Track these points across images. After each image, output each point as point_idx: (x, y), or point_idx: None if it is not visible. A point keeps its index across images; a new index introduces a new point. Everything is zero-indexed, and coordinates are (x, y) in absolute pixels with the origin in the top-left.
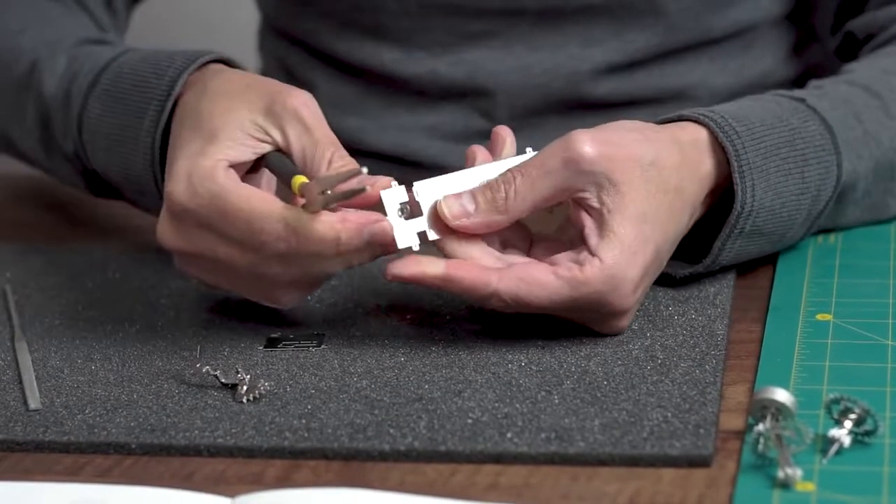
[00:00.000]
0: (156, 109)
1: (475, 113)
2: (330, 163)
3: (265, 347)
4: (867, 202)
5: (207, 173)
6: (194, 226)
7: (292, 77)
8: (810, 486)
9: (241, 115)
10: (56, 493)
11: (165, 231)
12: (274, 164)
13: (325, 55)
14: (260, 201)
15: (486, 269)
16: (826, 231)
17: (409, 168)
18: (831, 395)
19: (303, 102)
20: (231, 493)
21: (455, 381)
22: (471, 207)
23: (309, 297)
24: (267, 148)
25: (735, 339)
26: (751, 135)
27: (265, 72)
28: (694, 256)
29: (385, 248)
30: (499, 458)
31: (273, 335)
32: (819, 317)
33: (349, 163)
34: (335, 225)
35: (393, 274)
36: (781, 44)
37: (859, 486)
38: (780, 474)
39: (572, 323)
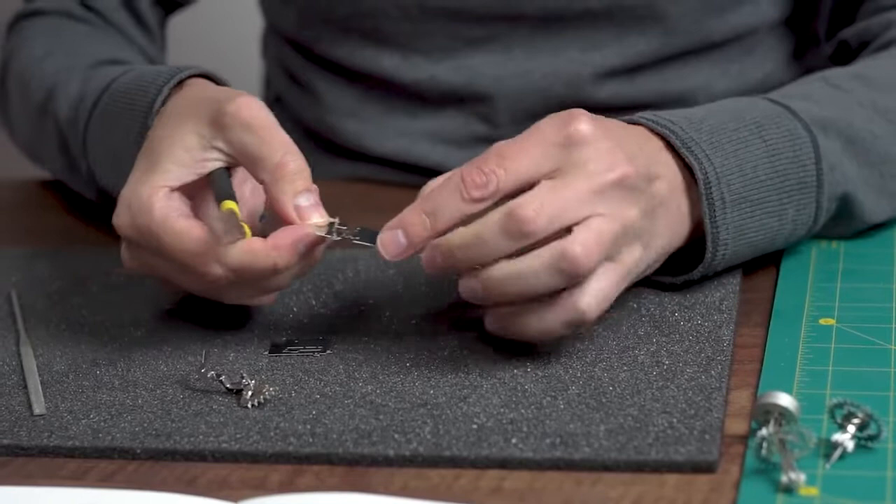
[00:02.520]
0: (139, 129)
1: (476, 118)
2: (281, 166)
3: (270, 353)
4: (873, 187)
5: (144, 205)
6: (145, 252)
7: (294, 82)
8: (814, 491)
9: (186, 131)
10: (60, 497)
11: (123, 253)
12: (215, 182)
13: (326, 60)
14: (190, 240)
15: None
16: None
17: (411, 173)
18: (835, 400)
19: (244, 104)
20: (235, 498)
21: (460, 387)
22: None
23: (313, 302)
24: (213, 164)
25: (738, 343)
26: (688, 120)
27: (269, 77)
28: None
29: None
30: (504, 464)
31: (277, 341)
32: (822, 321)
33: (298, 168)
34: (269, 253)
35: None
36: (782, 48)
37: (863, 491)
38: (784, 479)
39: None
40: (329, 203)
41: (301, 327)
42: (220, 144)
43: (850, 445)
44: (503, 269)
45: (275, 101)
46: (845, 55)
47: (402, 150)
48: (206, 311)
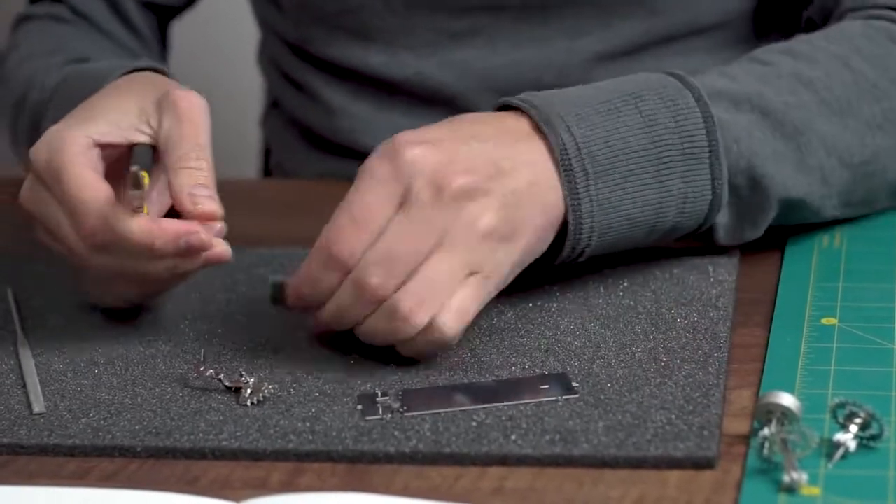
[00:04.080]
0: None
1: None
2: (181, 158)
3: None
4: (788, 161)
5: (64, 143)
6: (44, 190)
7: (289, 83)
8: (816, 491)
9: (129, 101)
10: (62, 497)
11: (25, 189)
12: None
13: (319, 60)
14: (88, 188)
15: None
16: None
17: None
18: (836, 400)
19: (184, 97)
20: (236, 498)
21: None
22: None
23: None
24: (140, 137)
25: (740, 343)
26: (558, 96)
27: (266, 83)
28: None
29: (208, 258)
30: (503, 461)
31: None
32: (824, 321)
33: (200, 166)
34: (152, 230)
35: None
36: (773, 35)
37: (864, 491)
38: (786, 478)
39: (575, 326)
40: (326, 201)
41: (296, 325)
42: (154, 123)
43: (852, 445)
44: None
45: (272, 107)
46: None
47: None
48: (204, 309)
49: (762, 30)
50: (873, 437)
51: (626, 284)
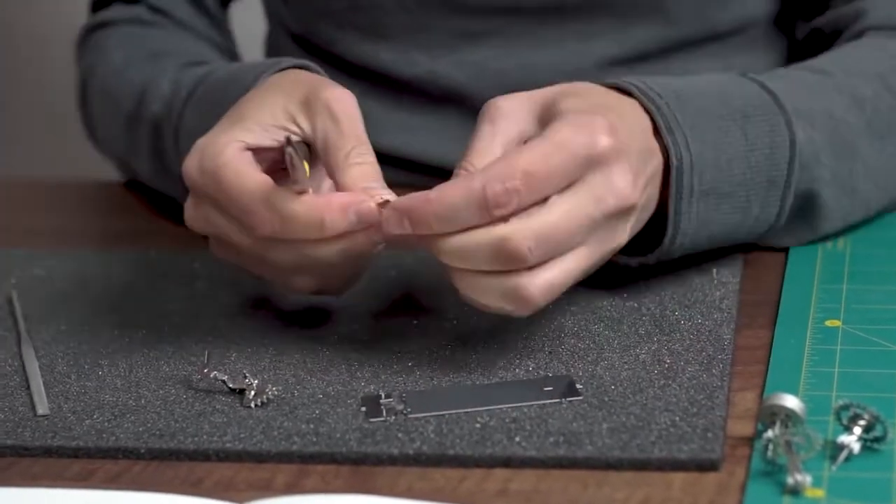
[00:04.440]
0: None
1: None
2: (347, 156)
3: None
4: (840, 184)
5: (218, 149)
6: (207, 203)
7: None
8: (820, 493)
9: (276, 102)
10: (66, 499)
11: (187, 209)
12: (293, 149)
13: (327, 54)
14: (249, 180)
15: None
16: (825, 237)
17: (413, 170)
18: (840, 402)
19: (336, 96)
20: (241, 500)
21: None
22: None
23: (314, 301)
24: (292, 138)
25: (743, 345)
26: (676, 95)
27: None
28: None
29: (377, 231)
30: (507, 463)
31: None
32: (828, 323)
33: (366, 161)
34: (319, 207)
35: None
36: (785, 41)
37: (869, 493)
38: (790, 481)
39: (579, 328)
40: None
41: (303, 325)
42: (304, 124)
43: (857, 447)
44: (453, 252)
45: None
46: (818, 43)
47: (404, 146)
48: (207, 311)
49: (775, 35)
50: (877, 440)
51: (629, 286)
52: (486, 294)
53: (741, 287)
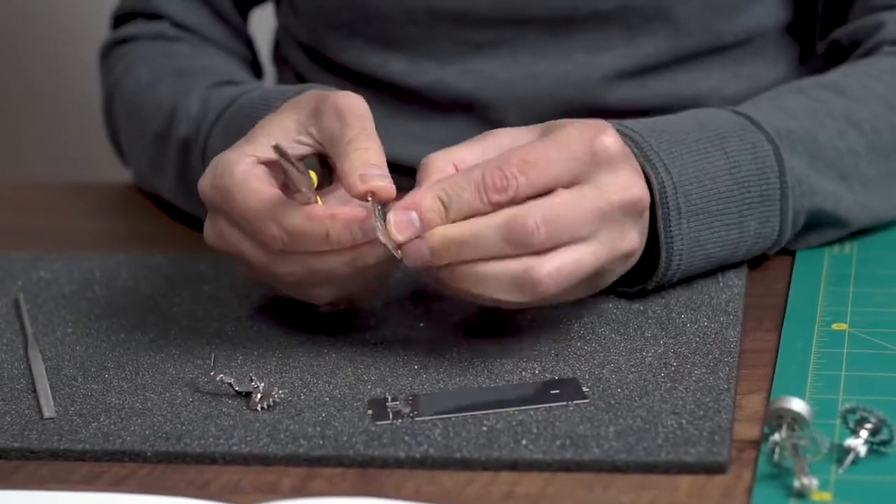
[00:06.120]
0: None
1: (486, 123)
2: (349, 142)
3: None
4: (849, 196)
5: (229, 166)
6: (221, 219)
7: (301, 82)
8: (826, 496)
9: (288, 116)
10: (72, 501)
11: (206, 227)
12: (281, 155)
13: (335, 64)
14: (257, 195)
15: None
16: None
17: None
18: (847, 405)
19: (345, 97)
20: (247, 503)
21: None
22: None
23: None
24: (302, 149)
25: (750, 348)
26: (650, 129)
27: (279, 80)
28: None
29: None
30: (514, 466)
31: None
32: (834, 326)
33: (369, 147)
34: (324, 221)
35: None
36: (793, 52)
37: (875, 496)
38: (796, 484)
39: (585, 331)
40: None
41: (309, 329)
42: (313, 130)
43: (863, 450)
44: (462, 238)
45: None
46: (837, 54)
47: (411, 155)
48: (214, 314)
49: (786, 45)
50: (884, 443)
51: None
52: (494, 283)
53: (747, 290)
